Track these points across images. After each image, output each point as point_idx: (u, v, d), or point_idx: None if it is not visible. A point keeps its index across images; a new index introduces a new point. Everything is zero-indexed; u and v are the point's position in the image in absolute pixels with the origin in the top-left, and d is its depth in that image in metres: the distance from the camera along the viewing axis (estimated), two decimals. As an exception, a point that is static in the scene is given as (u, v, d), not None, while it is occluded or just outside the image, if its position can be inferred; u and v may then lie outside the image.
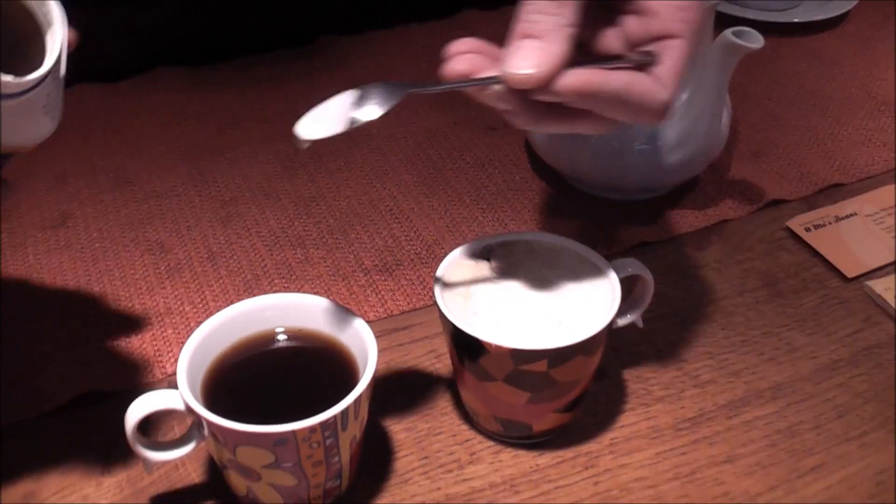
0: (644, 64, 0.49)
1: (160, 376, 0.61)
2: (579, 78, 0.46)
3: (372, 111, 0.46)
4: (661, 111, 0.49)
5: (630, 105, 0.48)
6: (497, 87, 0.47)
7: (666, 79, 0.49)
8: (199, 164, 0.80)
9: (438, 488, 0.55)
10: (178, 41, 0.94)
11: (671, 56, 0.49)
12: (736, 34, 0.65)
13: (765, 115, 0.88)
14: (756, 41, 0.64)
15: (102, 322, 0.65)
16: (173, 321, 0.65)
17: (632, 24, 0.50)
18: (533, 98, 0.47)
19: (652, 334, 0.65)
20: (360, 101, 0.47)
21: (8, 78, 0.43)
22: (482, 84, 0.47)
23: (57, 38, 0.46)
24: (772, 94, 0.91)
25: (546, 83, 0.46)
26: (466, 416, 0.59)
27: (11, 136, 0.46)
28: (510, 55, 0.46)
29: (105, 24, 0.86)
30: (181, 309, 0.66)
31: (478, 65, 0.48)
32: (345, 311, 0.54)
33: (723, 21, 0.67)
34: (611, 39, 0.51)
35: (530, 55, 0.46)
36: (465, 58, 0.48)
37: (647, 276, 0.58)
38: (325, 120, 0.46)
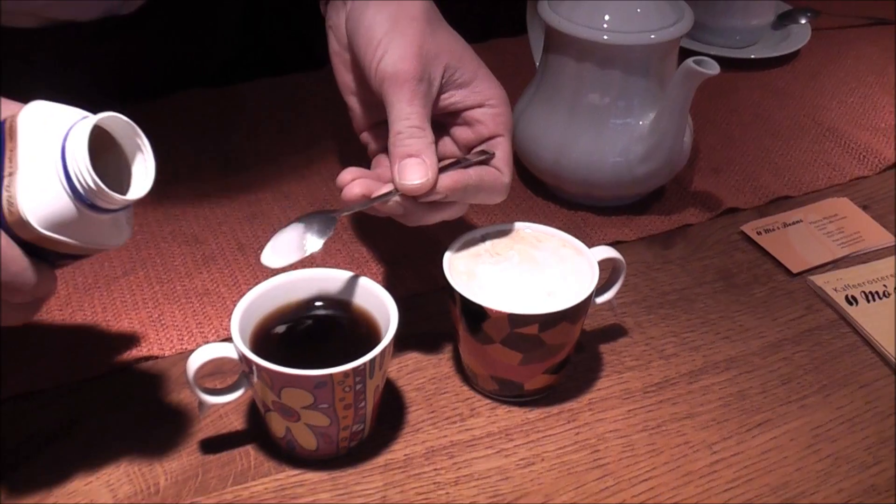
0: (484, 160, 0.65)
1: (202, 343, 0.71)
2: (452, 180, 0.62)
3: (316, 243, 0.60)
4: (505, 191, 0.66)
5: (485, 192, 0.64)
6: (395, 199, 0.62)
7: (503, 167, 0.66)
8: (226, 170, 0.90)
9: (445, 436, 0.65)
10: (207, 66, 1.04)
11: (501, 149, 0.66)
12: (696, 62, 0.75)
13: (723, 138, 0.99)
14: (713, 68, 0.74)
15: (149, 299, 0.75)
16: (211, 300, 0.75)
17: (465, 133, 0.67)
18: (420, 200, 0.62)
19: (624, 317, 0.76)
20: (305, 231, 0.61)
21: (119, 196, 0.52)
22: (384, 199, 0.62)
23: (150, 165, 0.54)
24: (730, 120, 1.03)
25: (432, 188, 0.61)
26: (467, 378, 0.69)
27: (101, 242, 0.55)
28: (401, 173, 0.61)
29: (146, 51, 0.96)
30: (217, 290, 0.76)
31: (368, 185, 0.63)
32: (369, 282, 0.64)
33: (688, 55, 0.77)
34: (448, 146, 0.68)
35: (416, 170, 0.61)
36: (356, 183, 0.63)
37: (620, 259, 0.69)
38: (283, 251, 0.60)
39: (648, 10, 0.81)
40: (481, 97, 0.66)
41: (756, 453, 0.65)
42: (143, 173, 0.55)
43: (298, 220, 0.61)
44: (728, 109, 1.05)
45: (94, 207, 0.52)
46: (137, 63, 0.97)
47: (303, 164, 0.92)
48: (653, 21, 0.80)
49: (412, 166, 0.61)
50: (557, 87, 0.84)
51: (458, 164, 0.64)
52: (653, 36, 0.79)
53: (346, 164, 0.90)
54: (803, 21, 1.19)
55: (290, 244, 0.60)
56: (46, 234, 0.51)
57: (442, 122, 0.68)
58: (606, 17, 0.80)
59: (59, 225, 0.52)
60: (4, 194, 0.51)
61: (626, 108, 0.82)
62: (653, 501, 0.61)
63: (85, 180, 0.50)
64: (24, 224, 0.51)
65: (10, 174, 0.51)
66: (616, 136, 0.82)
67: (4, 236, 0.51)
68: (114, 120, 0.53)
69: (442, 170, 0.62)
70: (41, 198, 0.51)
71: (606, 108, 0.82)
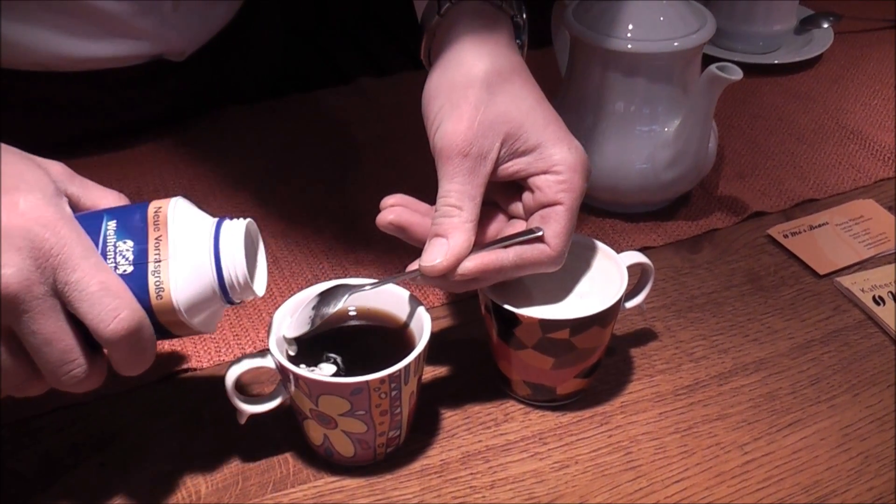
0: (527, 241, 0.62)
1: (239, 354, 0.72)
2: (479, 262, 0.61)
3: (335, 306, 0.63)
4: (555, 263, 0.63)
5: (526, 268, 0.62)
6: (419, 277, 0.62)
7: (552, 240, 0.62)
8: (259, 185, 0.92)
9: (480, 441, 0.66)
10: (239, 85, 1.07)
11: (555, 220, 0.62)
12: (719, 68, 0.76)
13: (748, 143, 1.00)
14: (736, 73, 0.76)
15: (187, 313, 0.77)
16: (247, 312, 0.77)
17: (527, 198, 0.65)
18: (450, 279, 0.61)
19: (654, 321, 0.77)
20: (317, 306, 0.63)
21: (257, 292, 0.58)
22: (410, 277, 0.62)
23: (263, 266, 0.60)
24: (754, 125, 1.04)
25: (449, 272, 0.60)
26: (500, 383, 0.70)
27: (210, 327, 0.58)
28: (425, 251, 0.61)
29: (190, 89, 0.99)
30: (254, 303, 0.77)
31: (401, 216, 0.63)
32: (402, 291, 0.65)
33: (711, 61, 0.78)
34: (518, 209, 0.66)
35: (437, 252, 0.61)
36: (390, 210, 0.63)
37: (648, 263, 0.70)
38: (302, 320, 0.63)
39: (671, 18, 0.82)
40: (546, 164, 0.62)
41: (787, 453, 0.66)
42: (260, 272, 0.60)
43: (318, 294, 0.64)
44: (752, 114, 1.05)
45: (227, 300, 0.57)
46: (181, 98, 0.99)
47: (333, 181, 0.93)
48: (676, 29, 0.81)
49: (434, 247, 0.61)
50: (583, 96, 0.85)
51: (508, 240, 0.63)
52: (676, 43, 0.81)
53: (379, 179, 0.93)
54: (825, 25, 1.19)
55: (301, 317, 0.63)
56: (185, 320, 0.55)
57: (516, 183, 0.66)
58: (630, 26, 0.81)
59: (198, 312, 0.56)
60: (152, 279, 0.54)
61: (651, 115, 0.83)
62: (686, 502, 0.62)
63: (237, 278, 0.56)
64: (172, 310, 0.55)
65: (158, 261, 0.54)
66: (642, 143, 0.84)
67: (148, 319, 0.54)
68: (250, 225, 0.58)
69: (486, 247, 0.62)
70: (192, 288, 0.55)
71: (632, 115, 0.83)
